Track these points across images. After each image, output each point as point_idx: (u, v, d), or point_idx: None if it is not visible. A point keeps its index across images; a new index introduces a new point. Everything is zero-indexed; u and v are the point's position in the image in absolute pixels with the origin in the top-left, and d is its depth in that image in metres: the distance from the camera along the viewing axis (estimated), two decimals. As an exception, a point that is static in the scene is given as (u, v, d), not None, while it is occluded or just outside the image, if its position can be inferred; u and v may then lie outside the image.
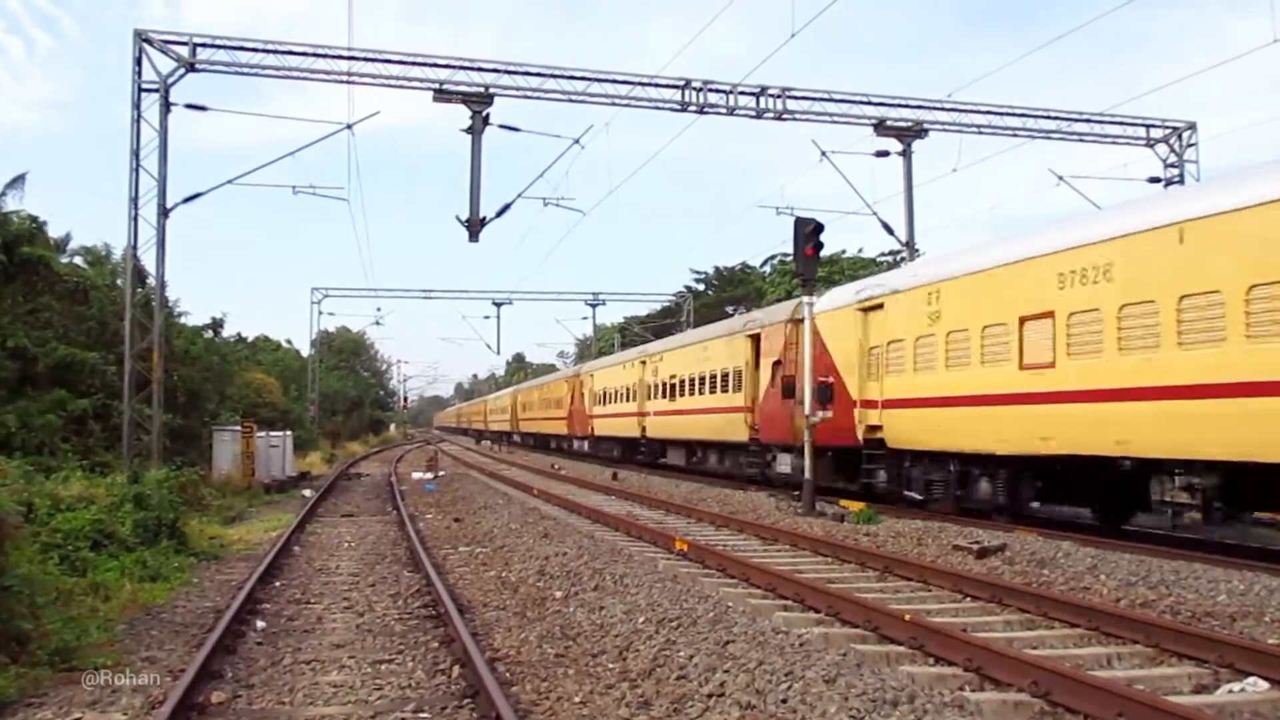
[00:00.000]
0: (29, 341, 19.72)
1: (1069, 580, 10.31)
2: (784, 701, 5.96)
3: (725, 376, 26.24)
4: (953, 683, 6.59)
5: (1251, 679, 6.53)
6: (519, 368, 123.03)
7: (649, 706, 6.18)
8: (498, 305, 53.95)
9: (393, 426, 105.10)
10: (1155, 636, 7.51)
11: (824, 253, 18.73)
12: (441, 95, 21.47)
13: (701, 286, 66.86)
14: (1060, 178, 23.83)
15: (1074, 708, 5.90)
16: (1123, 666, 7.15)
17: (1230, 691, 6.43)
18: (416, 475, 32.59)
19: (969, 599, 9.52)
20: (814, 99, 23.42)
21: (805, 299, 18.42)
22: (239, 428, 26.15)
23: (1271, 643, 7.38)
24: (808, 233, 17.78)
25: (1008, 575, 10.72)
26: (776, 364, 22.45)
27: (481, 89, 21.60)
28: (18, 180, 22.89)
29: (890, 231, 24.98)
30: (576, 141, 22.84)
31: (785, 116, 23.19)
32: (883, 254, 51.08)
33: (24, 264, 20.92)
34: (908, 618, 7.85)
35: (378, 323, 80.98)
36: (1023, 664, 6.48)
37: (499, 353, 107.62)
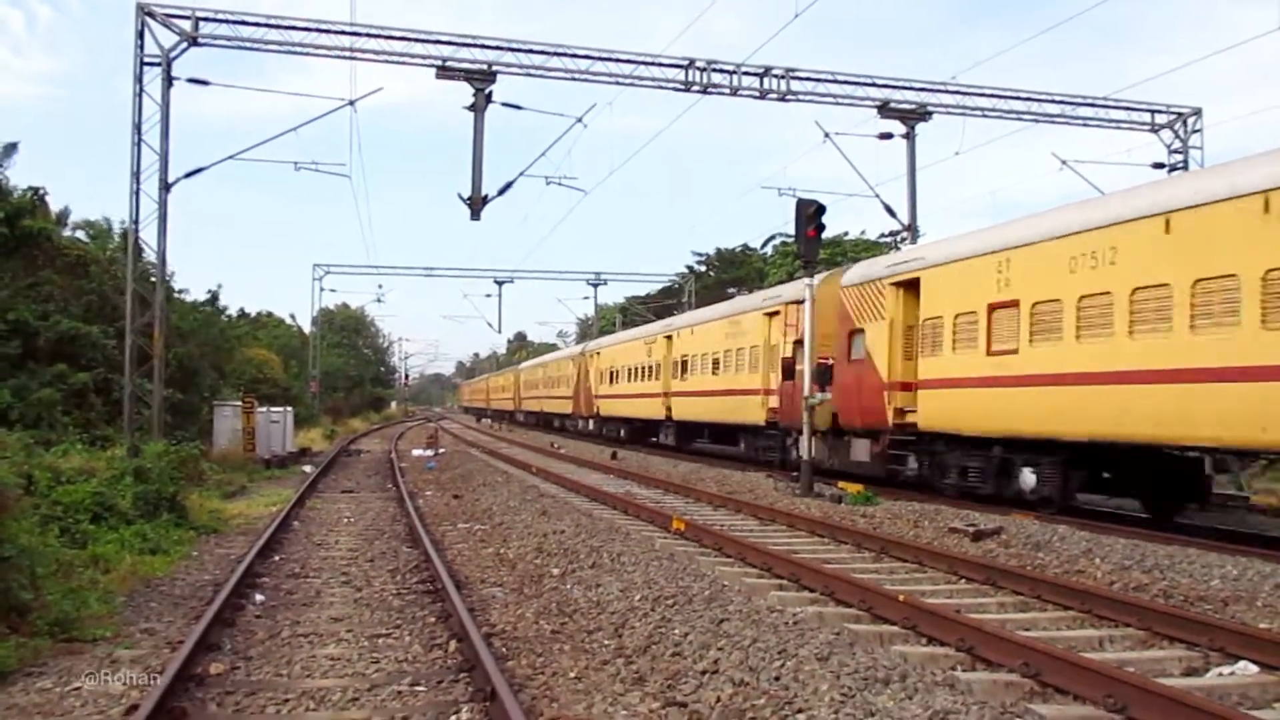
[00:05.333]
0: (30, 315, 19.71)
1: (1063, 563, 10.37)
2: (777, 679, 6.00)
3: (565, 380, 48.23)
4: (944, 662, 6.65)
5: (1242, 663, 6.58)
6: (520, 347, 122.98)
7: (643, 682, 6.23)
8: (499, 284, 54.05)
9: (394, 404, 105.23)
10: (1147, 620, 7.57)
11: (826, 234, 18.76)
12: (444, 72, 21.38)
13: (703, 268, 66.70)
14: (1064, 162, 23.77)
15: (1063, 688, 5.96)
16: (1114, 649, 7.20)
17: (1220, 675, 6.48)
18: (417, 452, 32.69)
19: (964, 581, 9.58)
20: (818, 80, 23.28)
21: (806, 280, 18.42)
22: (239, 403, 26.20)
23: (1263, 627, 7.43)
24: (810, 214, 17.72)
25: (1003, 558, 10.78)
26: (584, 374, 42.84)
27: (484, 66, 21.50)
28: (10, 148, 22.84)
29: (892, 214, 24.96)
30: (579, 120, 22.76)
31: (789, 98, 23.05)
32: (883, 235, 51.05)
33: (25, 237, 20.89)
34: (902, 598, 7.90)
35: (379, 300, 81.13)
36: (1014, 645, 6.53)
37: (500, 331, 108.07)
